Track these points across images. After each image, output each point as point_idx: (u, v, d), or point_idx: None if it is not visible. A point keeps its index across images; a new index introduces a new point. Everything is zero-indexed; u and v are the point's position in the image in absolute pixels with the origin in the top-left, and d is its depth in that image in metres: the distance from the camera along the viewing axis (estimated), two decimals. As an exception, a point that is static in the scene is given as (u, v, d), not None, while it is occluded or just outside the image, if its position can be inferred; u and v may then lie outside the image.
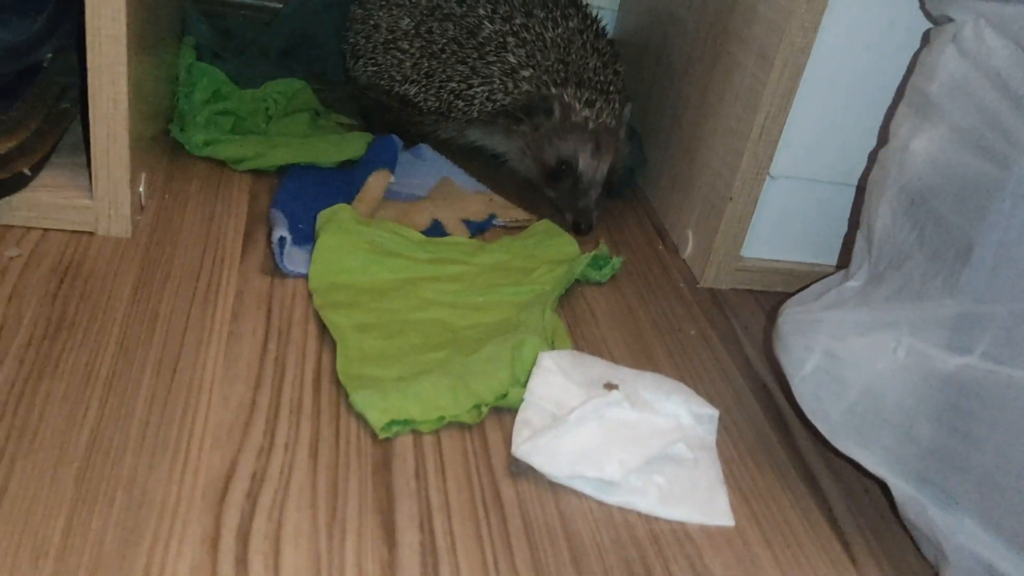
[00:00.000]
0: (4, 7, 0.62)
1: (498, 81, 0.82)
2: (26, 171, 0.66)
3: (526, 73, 0.81)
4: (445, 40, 0.83)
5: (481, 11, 0.82)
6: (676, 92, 0.87)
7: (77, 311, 0.59)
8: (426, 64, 0.84)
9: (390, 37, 0.85)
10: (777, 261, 0.79)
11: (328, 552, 0.46)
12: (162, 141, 0.79)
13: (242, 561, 0.45)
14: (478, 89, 0.82)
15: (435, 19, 0.84)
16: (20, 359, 0.54)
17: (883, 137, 0.58)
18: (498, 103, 0.82)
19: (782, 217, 0.77)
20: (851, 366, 0.51)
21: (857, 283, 0.55)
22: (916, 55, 0.61)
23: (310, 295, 0.65)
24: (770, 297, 0.79)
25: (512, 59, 0.81)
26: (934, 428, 0.47)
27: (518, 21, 0.82)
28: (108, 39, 0.61)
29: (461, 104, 0.83)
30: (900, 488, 0.50)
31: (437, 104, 0.84)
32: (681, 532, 0.52)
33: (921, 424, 0.48)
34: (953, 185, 0.47)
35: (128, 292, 0.62)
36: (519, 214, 0.81)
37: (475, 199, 0.81)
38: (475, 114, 0.83)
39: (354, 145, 0.83)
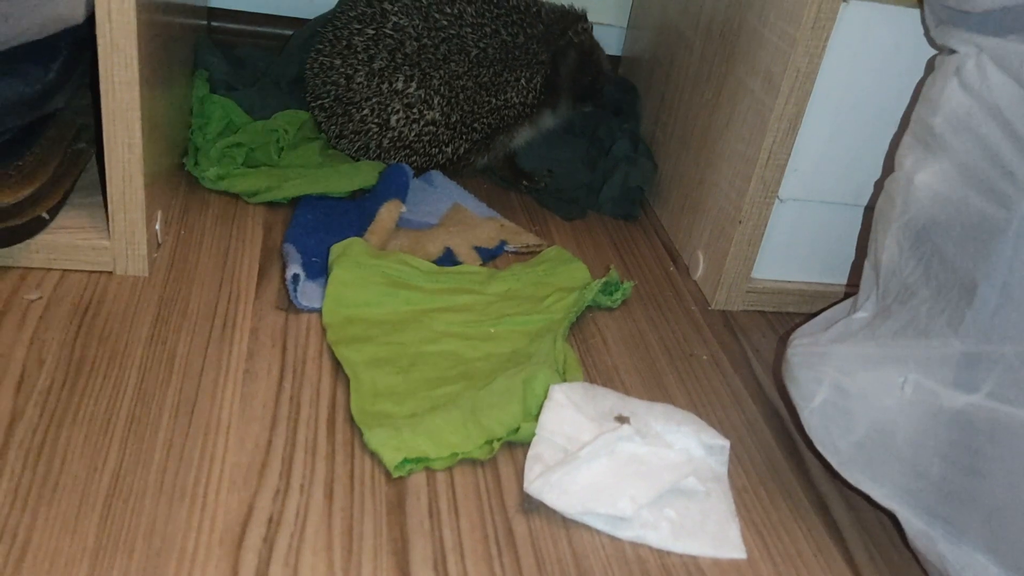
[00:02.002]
0: (18, 57, 0.63)
1: (523, 68, 0.86)
2: (44, 215, 0.67)
3: (532, 45, 0.86)
4: (457, 84, 0.84)
5: (450, 30, 0.83)
6: (685, 112, 0.87)
7: (96, 354, 0.60)
8: (456, 115, 0.84)
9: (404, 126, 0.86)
10: (788, 282, 0.80)
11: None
12: (177, 175, 0.81)
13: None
14: (515, 88, 0.86)
15: (431, 78, 0.84)
16: (41, 405, 0.56)
17: (889, 165, 0.58)
18: (537, 81, 0.87)
19: (792, 238, 0.77)
20: (859, 400, 0.51)
21: (865, 314, 0.55)
22: (922, 80, 0.61)
23: (324, 330, 0.66)
24: (782, 318, 0.79)
25: (517, 43, 0.85)
26: (942, 464, 0.48)
27: (483, 20, 0.84)
28: (121, 85, 0.63)
29: (516, 101, 0.87)
30: (910, 521, 0.50)
31: (500, 126, 0.88)
32: (693, 566, 0.53)
33: (930, 459, 0.48)
34: (957, 223, 0.47)
35: (146, 332, 0.63)
36: (530, 239, 0.82)
37: (486, 225, 0.82)
38: (531, 100, 0.88)
39: (365, 174, 0.84)
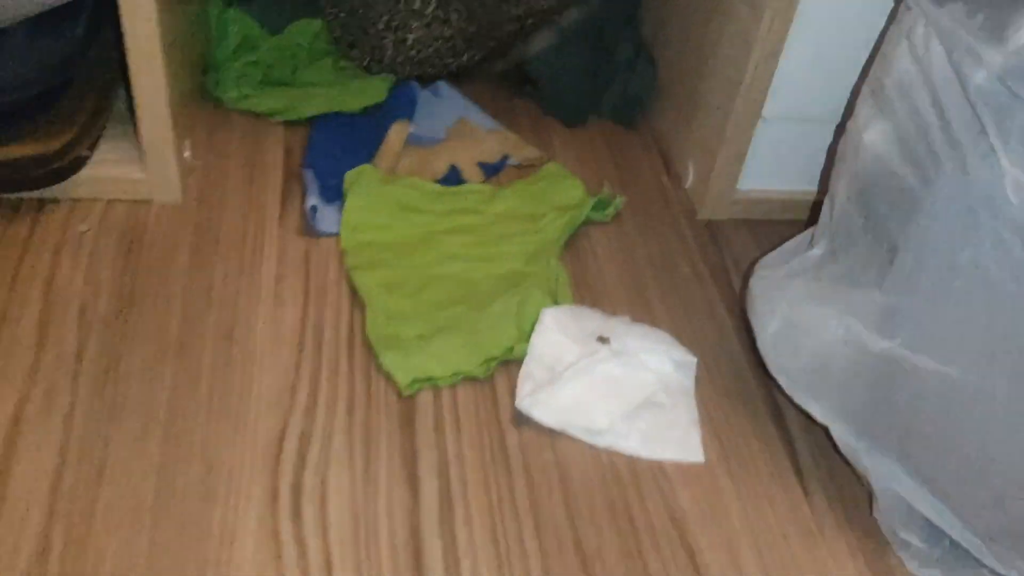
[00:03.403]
0: (48, 18, 0.68)
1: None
2: (85, 152, 0.74)
3: None
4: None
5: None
6: (682, 25, 0.90)
7: (145, 282, 0.69)
8: (473, 27, 0.87)
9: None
10: (772, 191, 0.85)
11: (364, 502, 0.57)
12: (201, 98, 0.86)
13: (297, 513, 0.56)
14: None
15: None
16: (102, 334, 0.65)
17: (852, 107, 0.62)
18: None
19: (776, 153, 0.82)
20: (804, 333, 0.59)
21: (819, 252, 0.61)
22: (885, 28, 0.65)
23: (342, 255, 0.74)
24: (765, 226, 0.85)
25: None
26: (867, 393, 0.56)
27: None
28: (140, 14, 0.67)
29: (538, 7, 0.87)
30: (841, 437, 0.58)
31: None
32: (658, 469, 0.62)
33: (857, 389, 0.56)
34: (890, 186, 0.53)
35: (185, 261, 0.72)
36: (531, 152, 0.87)
37: (490, 138, 0.88)
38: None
39: (376, 90, 0.89)
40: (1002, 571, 0.53)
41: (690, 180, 0.86)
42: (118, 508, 0.55)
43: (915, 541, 0.57)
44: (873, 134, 0.56)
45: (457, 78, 0.93)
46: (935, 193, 0.48)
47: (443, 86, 0.92)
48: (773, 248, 0.68)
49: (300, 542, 0.55)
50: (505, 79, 0.96)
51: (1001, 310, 0.48)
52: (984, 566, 0.54)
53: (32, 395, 0.60)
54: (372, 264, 0.73)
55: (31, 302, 0.66)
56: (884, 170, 0.54)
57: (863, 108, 0.58)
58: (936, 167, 0.49)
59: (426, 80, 0.91)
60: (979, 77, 0.48)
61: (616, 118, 0.95)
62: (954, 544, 0.56)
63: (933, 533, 0.57)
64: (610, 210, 0.82)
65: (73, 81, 0.75)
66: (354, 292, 0.71)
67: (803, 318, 0.59)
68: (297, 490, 0.57)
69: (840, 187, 0.60)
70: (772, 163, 0.83)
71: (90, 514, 0.55)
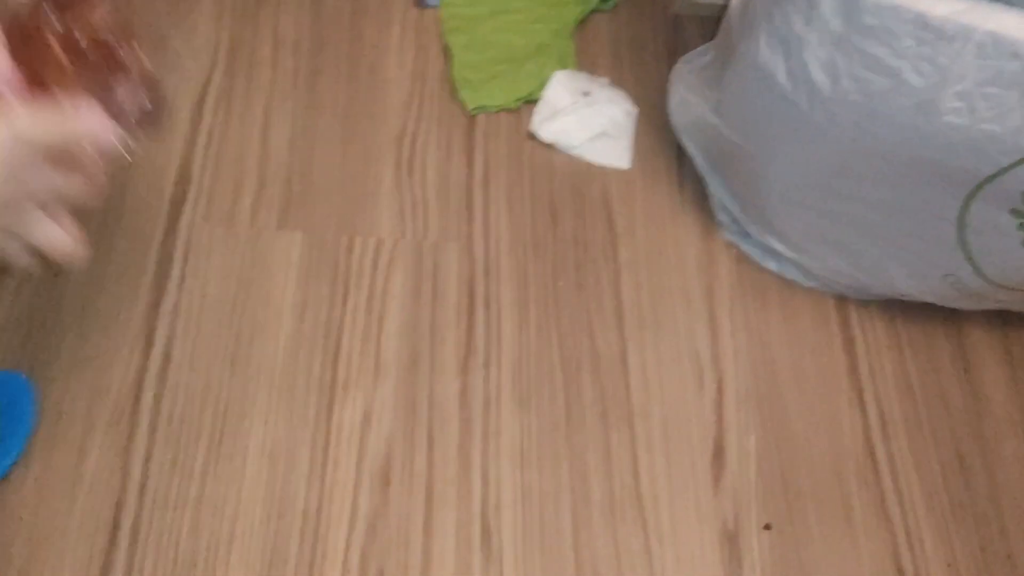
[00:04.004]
0: None
1: None
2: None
3: None
4: None
5: None
6: None
7: (327, 32, 1.19)
8: None
9: None
10: (723, -2, 1.27)
11: (446, 170, 1.10)
12: None
13: (410, 170, 1.10)
14: None
15: None
16: (308, 60, 1.16)
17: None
18: None
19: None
20: (688, 107, 1.07)
21: (708, 58, 1.07)
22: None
23: (440, 22, 1.22)
24: (713, 23, 1.28)
25: None
26: (712, 144, 1.05)
27: None
28: None
29: None
30: (698, 163, 1.09)
31: None
32: (603, 170, 1.14)
33: (707, 141, 1.06)
34: (729, 27, 0.98)
35: (347, 20, 1.20)
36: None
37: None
38: None
39: None
40: (757, 238, 1.06)
41: (671, -16, 1.29)
42: (327, 136, 1.09)
43: (726, 221, 1.10)
44: None
45: None
46: (742, 42, 0.94)
47: None
48: (712, 38, 1.14)
49: (412, 192, 1.09)
50: None
51: (773, 113, 0.96)
52: (750, 235, 1.07)
53: (274, 97, 1.13)
54: (458, 29, 1.21)
55: (265, 41, 1.17)
56: (733, 12, 0.99)
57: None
58: (747, 23, 0.94)
59: None
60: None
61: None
62: (742, 223, 1.08)
63: (734, 218, 1.09)
64: (611, 3, 1.26)
65: None
66: (446, 48, 1.20)
67: (688, 98, 1.07)
68: (411, 163, 1.11)
69: (732, 15, 1.05)
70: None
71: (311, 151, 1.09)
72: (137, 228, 1.00)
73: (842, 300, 1.07)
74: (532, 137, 1.14)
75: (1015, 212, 0.84)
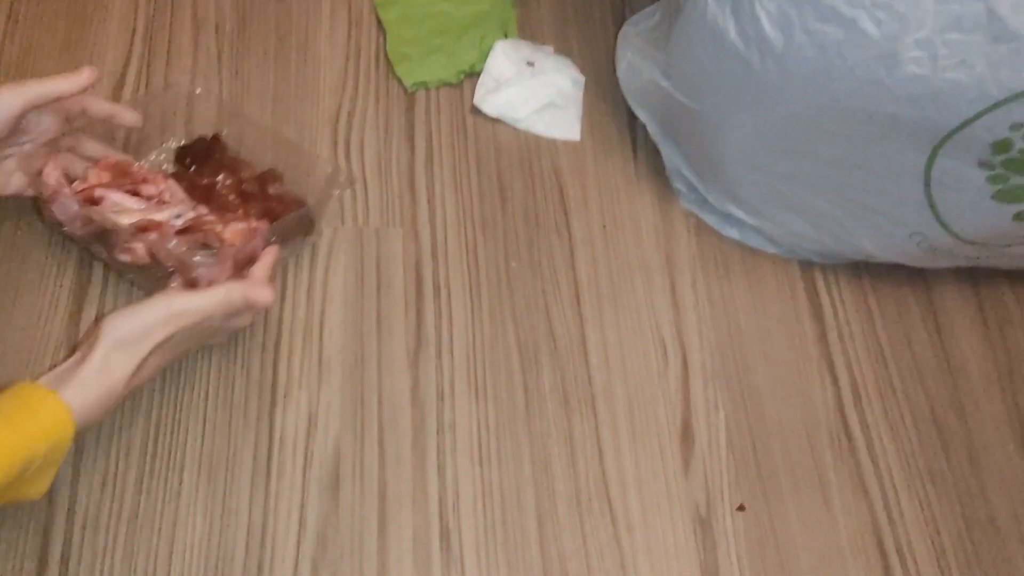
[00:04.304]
0: None
1: None
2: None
3: None
4: None
5: None
6: None
7: (252, 10, 1.11)
8: None
9: None
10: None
11: (384, 148, 1.04)
12: None
13: (347, 149, 1.03)
14: None
15: None
16: (232, 42, 1.09)
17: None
18: None
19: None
20: (637, 71, 1.02)
21: (656, 19, 1.02)
22: None
23: (372, -5, 1.15)
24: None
25: None
26: (664, 109, 1.00)
27: None
28: None
29: None
30: (652, 131, 1.04)
31: None
32: (552, 143, 1.08)
33: (659, 106, 1.00)
34: (679, -7, 0.92)
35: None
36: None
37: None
38: None
39: None
40: (716, 205, 1.01)
41: (614, -56, 1.23)
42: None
43: (683, 189, 1.05)
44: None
45: None
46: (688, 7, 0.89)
47: None
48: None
49: (345, 159, 1.03)
50: None
51: (725, 73, 0.90)
52: (709, 202, 1.02)
53: (196, 84, 1.06)
54: (390, 2, 1.14)
55: (185, 23, 1.10)
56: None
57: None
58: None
59: None
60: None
61: None
62: (700, 191, 1.03)
63: (692, 186, 1.04)
64: (553, -32, 1.20)
65: None
66: (379, 22, 1.13)
67: (637, 62, 1.02)
68: (348, 146, 1.04)
69: (672, -20, 0.99)
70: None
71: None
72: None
73: (808, 266, 1.02)
74: (476, 112, 1.09)
75: (984, 164, 0.80)
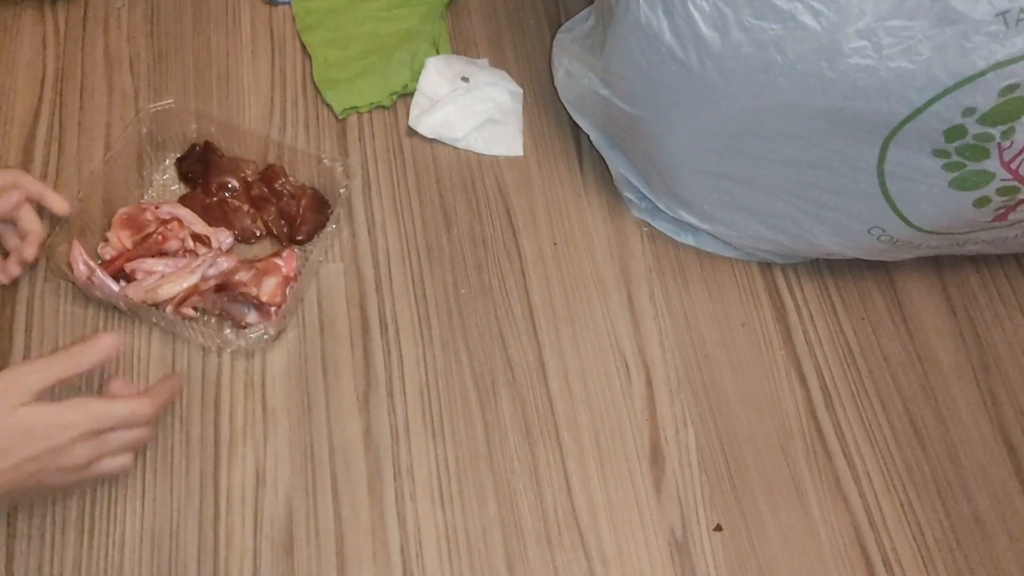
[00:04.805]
0: None
1: None
2: (110, -53, 1.07)
3: None
4: None
5: None
6: None
7: (168, 43, 1.06)
8: None
9: None
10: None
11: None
12: None
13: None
14: None
15: None
16: (149, 78, 1.03)
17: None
18: None
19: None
20: (575, 79, 0.97)
21: (590, 24, 0.98)
22: None
23: (294, 19, 1.10)
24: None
25: None
26: (605, 117, 0.96)
27: None
28: None
29: None
30: (595, 140, 0.99)
31: None
32: (494, 161, 1.04)
33: (600, 114, 0.96)
34: (611, -4, 0.88)
35: (190, 26, 1.08)
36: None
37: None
38: None
39: None
40: (668, 212, 0.97)
41: (544, -52, 1.19)
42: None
43: (633, 198, 1.01)
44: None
45: None
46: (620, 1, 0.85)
47: None
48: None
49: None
50: None
51: (663, 76, 0.86)
52: (660, 210, 0.98)
53: (113, 126, 1.00)
54: (314, 26, 1.09)
55: (97, 63, 1.04)
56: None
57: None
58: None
59: None
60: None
61: None
62: (651, 199, 0.99)
63: (641, 194, 1.00)
64: (482, -24, 1.15)
65: None
66: (304, 47, 1.08)
67: (574, 69, 0.98)
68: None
69: (603, -17, 0.95)
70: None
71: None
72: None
73: (767, 267, 0.99)
74: (412, 133, 1.04)
75: (938, 153, 0.77)
